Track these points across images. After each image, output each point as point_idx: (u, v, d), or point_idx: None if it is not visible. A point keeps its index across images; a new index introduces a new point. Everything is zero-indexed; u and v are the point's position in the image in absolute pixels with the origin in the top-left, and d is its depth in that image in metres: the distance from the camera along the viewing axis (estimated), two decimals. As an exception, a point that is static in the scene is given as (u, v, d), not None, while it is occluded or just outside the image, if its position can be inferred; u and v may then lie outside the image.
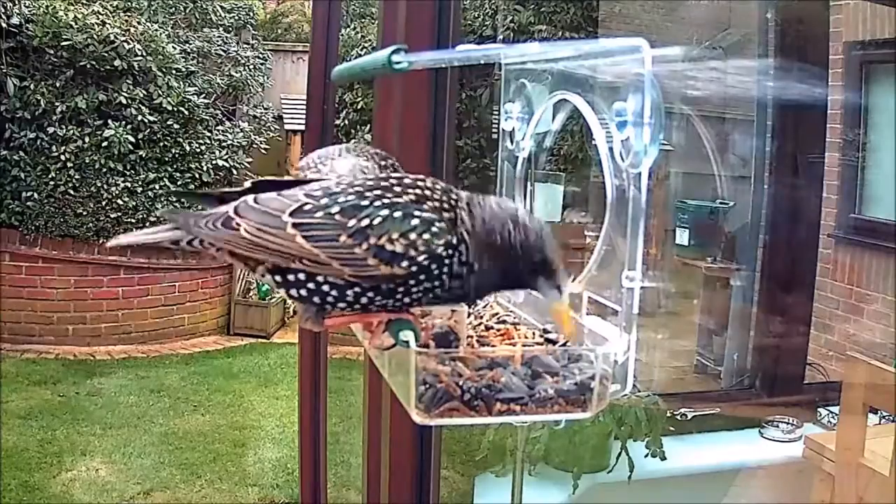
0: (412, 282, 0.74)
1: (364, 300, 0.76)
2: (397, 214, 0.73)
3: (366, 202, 0.74)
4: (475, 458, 2.44)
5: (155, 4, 7.17)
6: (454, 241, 0.74)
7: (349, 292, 0.75)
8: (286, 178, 0.92)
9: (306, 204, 0.75)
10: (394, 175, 0.80)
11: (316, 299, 0.77)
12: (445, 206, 0.76)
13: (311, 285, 0.76)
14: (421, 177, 0.79)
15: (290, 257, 0.75)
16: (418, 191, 0.76)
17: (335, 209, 0.74)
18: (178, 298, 6.25)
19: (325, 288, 0.76)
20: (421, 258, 0.73)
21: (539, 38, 5.75)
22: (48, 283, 5.83)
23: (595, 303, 0.83)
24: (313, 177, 0.95)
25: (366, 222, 0.73)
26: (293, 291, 0.77)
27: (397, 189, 0.76)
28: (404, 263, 0.73)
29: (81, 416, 4.67)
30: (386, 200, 0.74)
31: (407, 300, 0.76)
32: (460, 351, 0.79)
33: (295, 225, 0.74)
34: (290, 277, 0.77)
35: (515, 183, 1.04)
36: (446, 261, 0.74)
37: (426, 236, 0.73)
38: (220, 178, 6.36)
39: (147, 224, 5.97)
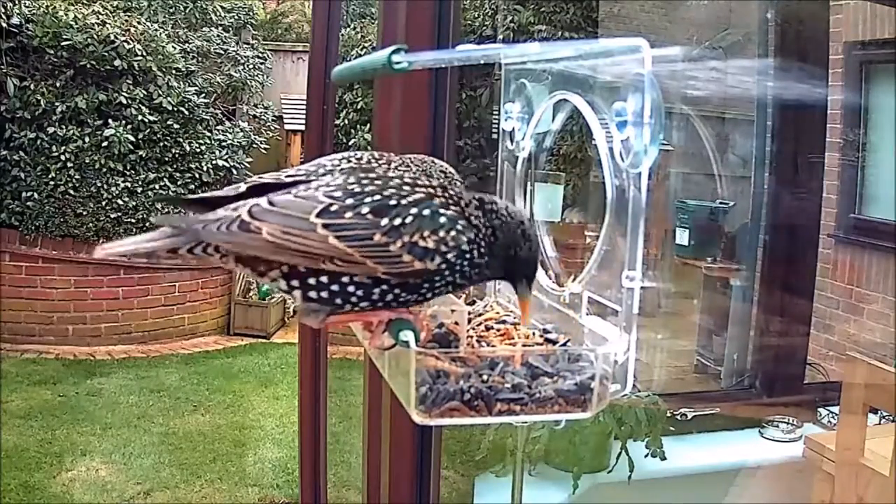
0: (437, 277, 0.76)
1: (389, 297, 0.77)
2: (426, 213, 0.76)
3: (393, 202, 0.76)
4: (475, 458, 2.44)
5: (155, 4, 7.17)
6: (473, 236, 0.77)
7: (375, 290, 0.76)
8: (281, 175, 0.91)
9: (332, 204, 0.75)
10: (391, 173, 0.81)
11: (338, 300, 0.77)
12: (451, 201, 0.79)
13: (335, 287, 0.76)
14: (415, 173, 0.81)
15: (319, 258, 0.75)
16: (423, 189, 0.78)
17: (365, 209, 0.75)
18: (178, 298, 6.25)
19: (351, 289, 0.76)
20: (450, 254, 0.76)
21: (539, 38, 5.75)
22: (48, 283, 5.83)
23: (595, 303, 0.83)
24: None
25: (398, 221, 0.75)
26: (312, 293, 0.77)
27: (406, 189, 0.77)
28: (436, 259, 0.75)
29: (81, 416, 4.67)
30: (409, 199, 0.76)
31: (429, 295, 0.78)
32: (460, 351, 0.79)
33: (325, 226, 0.74)
34: (311, 281, 0.76)
35: (515, 183, 1.04)
36: (467, 255, 0.77)
37: (453, 233, 0.76)
38: (220, 177, 6.36)
39: (147, 224, 5.97)
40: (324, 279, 0.76)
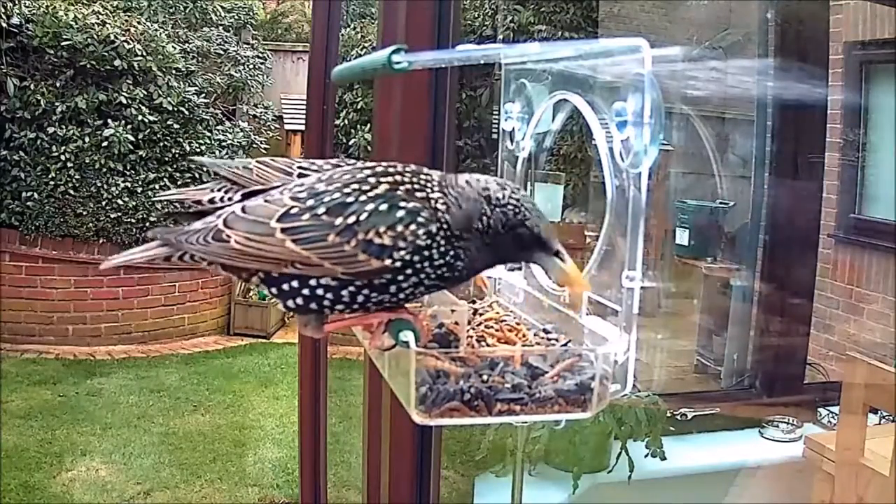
0: (401, 277, 0.74)
1: (360, 298, 0.76)
2: (383, 207, 0.74)
3: (350, 199, 0.74)
4: (475, 458, 2.44)
5: (155, 4, 7.18)
6: (434, 228, 0.74)
7: (344, 292, 0.76)
8: (294, 164, 0.92)
9: (293, 208, 0.76)
10: (366, 165, 0.80)
11: (313, 305, 0.77)
12: (416, 186, 0.76)
13: (305, 291, 0.76)
14: (391, 163, 0.79)
15: (281, 262, 0.75)
16: (390, 178, 0.76)
17: (321, 209, 0.75)
18: (178, 298, 6.25)
19: (320, 292, 0.76)
20: (406, 251, 0.73)
21: (539, 38, 5.75)
22: (48, 283, 5.83)
23: (595, 303, 0.83)
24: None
25: (352, 219, 0.73)
26: (290, 302, 0.77)
27: (372, 180, 0.76)
28: (394, 255, 0.73)
29: (81, 416, 4.67)
30: (369, 194, 0.75)
31: (402, 295, 0.76)
32: (460, 351, 0.79)
33: (284, 230, 0.75)
34: (285, 287, 0.77)
35: (515, 183, 1.04)
36: (427, 252, 0.74)
37: (412, 227, 0.73)
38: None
39: (147, 224, 5.98)
40: (295, 283, 0.76)
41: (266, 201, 0.77)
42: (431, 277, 0.75)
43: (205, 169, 6.20)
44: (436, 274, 0.75)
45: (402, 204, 0.74)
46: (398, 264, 0.74)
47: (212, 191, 0.99)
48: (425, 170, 0.79)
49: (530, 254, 0.77)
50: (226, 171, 0.97)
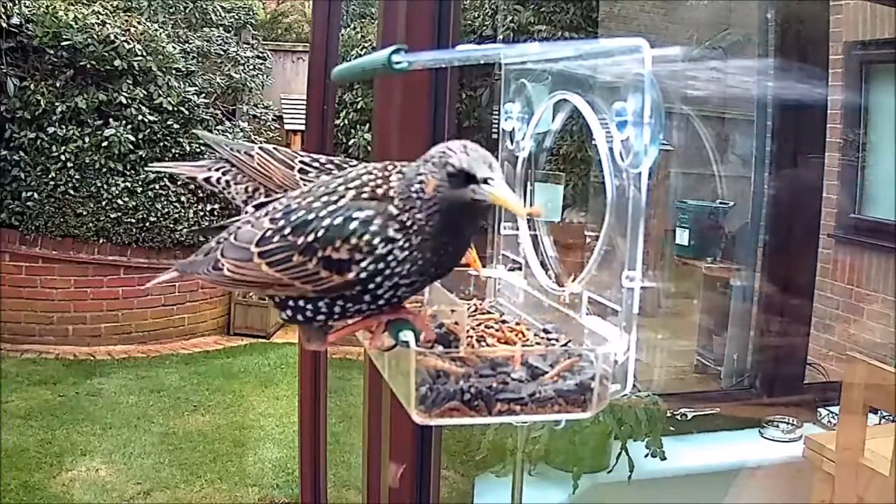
0: (371, 285, 0.74)
1: (337, 309, 0.77)
2: (337, 221, 0.73)
3: (312, 215, 0.74)
4: (475, 458, 2.44)
5: (155, 4, 7.17)
6: (392, 231, 0.72)
7: (321, 304, 0.77)
8: (296, 158, 0.93)
9: (268, 230, 0.76)
10: (344, 172, 0.80)
11: (300, 317, 0.78)
12: (379, 183, 0.74)
13: (291, 303, 0.78)
14: (367, 164, 0.79)
15: (265, 285, 0.77)
16: (358, 181, 0.76)
17: (288, 230, 0.75)
18: (178, 298, 6.24)
19: (301, 303, 0.77)
20: (367, 262, 0.72)
21: (539, 38, 5.75)
22: (48, 283, 5.83)
23: (595, 303, 0.83)
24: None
25: (312, 237, 0.73)
26: (283, 314, 0.80)
27: (341, 189, 0.76)
28: (353, 269, 0.72)
29: (81, 416, 4.67)
30: (329, 207, 0.74)
31: (381, 301, 0.75)
32: (460, 351, 0.79)
33: (260, 254, 0.76)
34: (276, 299, 0.79)
35: (515, 183, 1.04)
36: (390, 256, 0.72)
37: (366, 237, 0.72)
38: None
39: (147, 224, 5.98)
40: (282, 296, 0.78)
41: (252, 226, 0.79)
42: (407, 277, 0.74)
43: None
44: (411, 271, 0.73)
45: (356, 214, 0.73)
46: (363, 275, 0.73)
47: (208, 169, 0.99)
48: (398, 163, 0.77)
49: (470, 192, 0.72)
50: (227, 153, 0.97)
